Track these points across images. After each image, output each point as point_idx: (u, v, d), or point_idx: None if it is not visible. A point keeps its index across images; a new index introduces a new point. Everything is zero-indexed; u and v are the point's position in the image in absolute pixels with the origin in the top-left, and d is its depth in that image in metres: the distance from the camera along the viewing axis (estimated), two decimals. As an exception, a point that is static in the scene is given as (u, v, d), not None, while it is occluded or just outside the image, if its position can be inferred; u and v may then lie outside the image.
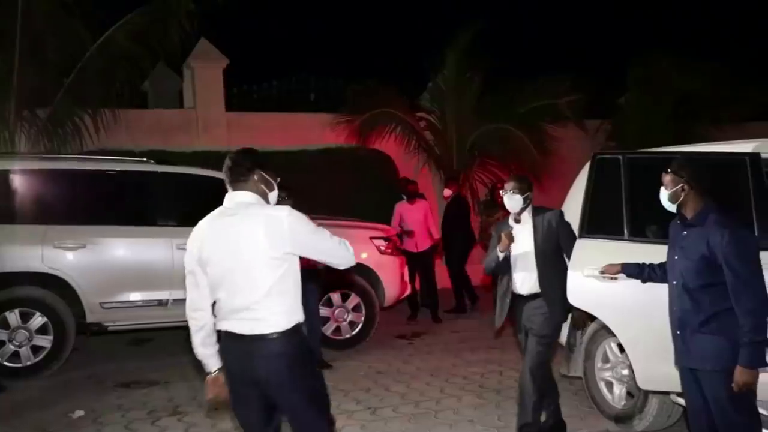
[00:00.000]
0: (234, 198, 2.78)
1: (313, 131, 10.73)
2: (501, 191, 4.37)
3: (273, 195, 2.86)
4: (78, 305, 6.20)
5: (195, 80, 11.14)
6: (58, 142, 9.11)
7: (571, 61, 14.42)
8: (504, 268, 4.28)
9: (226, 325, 2.75)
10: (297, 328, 2.73)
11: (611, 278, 3.98)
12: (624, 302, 4.14)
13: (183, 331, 7.36)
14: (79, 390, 5.70)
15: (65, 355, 6.18)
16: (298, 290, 2.77)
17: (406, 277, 7.85)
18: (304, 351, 2.77)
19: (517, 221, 4.26)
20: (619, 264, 3.82)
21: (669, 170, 3.38)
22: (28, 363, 6.02)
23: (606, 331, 4.63)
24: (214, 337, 2.81)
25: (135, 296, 6.38)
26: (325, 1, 19.01)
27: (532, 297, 4.21)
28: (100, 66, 9.19)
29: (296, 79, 13.50)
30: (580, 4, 19.02)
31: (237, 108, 11.61)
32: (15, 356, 5.98)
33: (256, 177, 2.78)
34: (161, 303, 6.46)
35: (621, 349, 4.57)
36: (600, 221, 4.42)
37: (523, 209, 4.24)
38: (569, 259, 4.29)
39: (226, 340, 2.76)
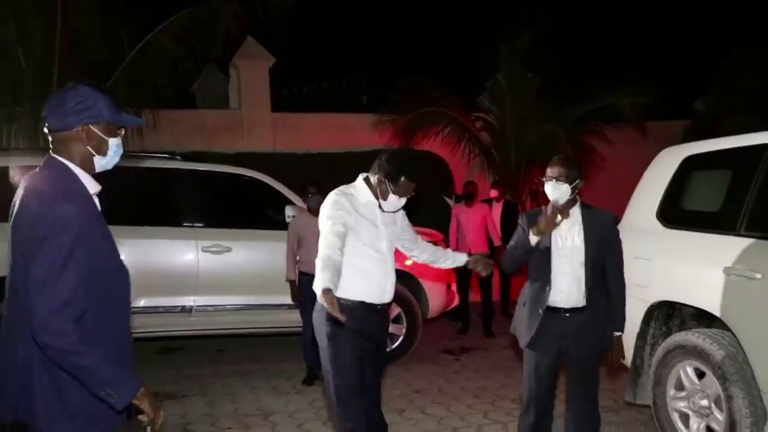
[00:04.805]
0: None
1: (359, 132, 10.23)
2: (543, 178, 3.37)
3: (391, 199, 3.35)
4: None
5: (240, 80, 10.84)
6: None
7: (639, 62, 13.48)
8: (536, 270, 3.39)
9: (356, 295, 3.13)
10: None
11: None
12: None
13: (210, 341, 7.14)
14: (91, 402, 5.29)
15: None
16: None
17: (455, 287, 7.16)
18: None
19: (563, 216, 3.33)
20: None
21: None
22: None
23: (680, 353, 3.86)
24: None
25: (157, 302, 5.95)
26: (382, 2, 18.62)
27: (574, 311, 3.36)
28: (141, 67, 8.98)
29: (348, 80, 13.09)
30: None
31: (286, 109, 11.27)
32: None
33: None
34: (185, 309, 6.02)
35: (699, 375, 3.79)
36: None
37: (570, 201, 3.37)
38: (614, 273, 3.40)
39: (362, 308, 3.12)
